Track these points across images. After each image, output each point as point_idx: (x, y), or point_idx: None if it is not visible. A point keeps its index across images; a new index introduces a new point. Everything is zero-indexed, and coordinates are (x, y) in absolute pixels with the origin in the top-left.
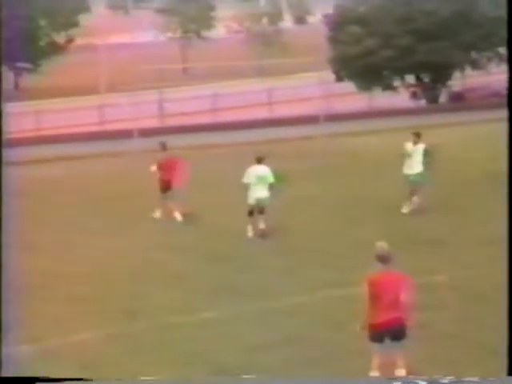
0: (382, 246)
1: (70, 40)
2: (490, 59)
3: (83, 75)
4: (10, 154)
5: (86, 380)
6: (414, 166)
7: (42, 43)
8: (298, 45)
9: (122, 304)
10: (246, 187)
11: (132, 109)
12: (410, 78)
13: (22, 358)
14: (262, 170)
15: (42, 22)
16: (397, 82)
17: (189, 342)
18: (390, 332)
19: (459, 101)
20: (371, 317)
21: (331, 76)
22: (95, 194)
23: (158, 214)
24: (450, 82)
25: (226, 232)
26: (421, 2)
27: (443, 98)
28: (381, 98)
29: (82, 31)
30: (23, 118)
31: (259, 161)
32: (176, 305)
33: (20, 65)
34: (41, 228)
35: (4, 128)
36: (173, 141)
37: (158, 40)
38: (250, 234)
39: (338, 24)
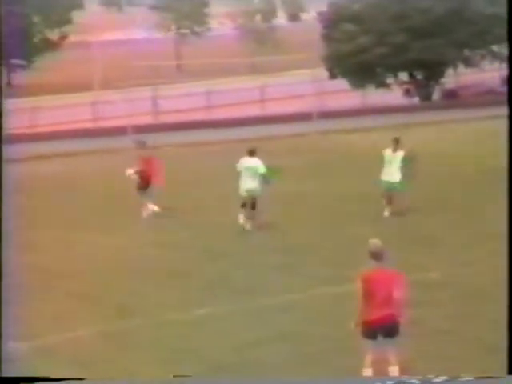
0: (375, 242)
1: (64, 37)
2: (483, 57)
3: (77, 72)
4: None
5: (86, 380)
6: (393, 173)
7: (35, 40)
8: (291, 42)
9: (118, 301)
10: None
11: (126, 105)
12: (404, 76)
13: (19, 355)
14: (253, 161)
15: (36, 19)
16: (390, 80)
17: (184, 338)
18: (383, 329)
19: (452, 98)
20: (364, 314)
21: (324, 73)
22: (89, 191)
23: (145, 213)
24: (443, 80)
25: (221, 228)
26: (415, 0)
27: (436, 95)
28: (374, 96)
29: (76, 28)
30: (17, 115)
31: (251, 153)
32: (172, 302)
33: (14, 62)
34: (36, 225)
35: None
36: (166, 138)
37: (151, 37)
38: (241, 221)
39: (331, 21)
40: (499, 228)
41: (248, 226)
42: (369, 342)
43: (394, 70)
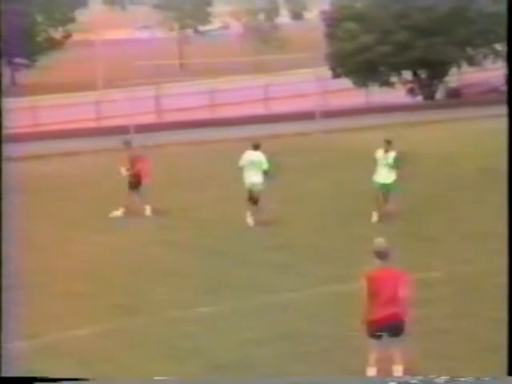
0: (380, 241)
1: (67, 36)
2: (486, 55)
3: (80, 71)
4: (7, 149)
5: (86, 380)
6: (385, 174)
7: (39, 39)
8: (294, 41)
9: (119, 300)
10: (240, 170)
11: (129, 104)
12: (407, 74)
13: (21, 354)
14: (256, 155)
15: (39, 18)
16: (393, 78)
17: (185, 337)
18: (388, 328)
19: (456, 97)
20: (369, 313)
21: (328, 72)
22: (92, 190)
23: (119, 212)
24: (446, 78)
25: (224, 226)
26: None
27: (440, 94)
28: (377, 94)
29: (79, 27)
30: (21, 114)
31: (255, 147)
32: (173, 300)
33: (17, 60)
34: (38, 224)
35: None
36: (170, 136)
37: (154, 36)
38: (249, 220)
39: (334, 20)
40: (500, 227)
41: (251, 222)
42: (373, 341)
43: (398, 68)
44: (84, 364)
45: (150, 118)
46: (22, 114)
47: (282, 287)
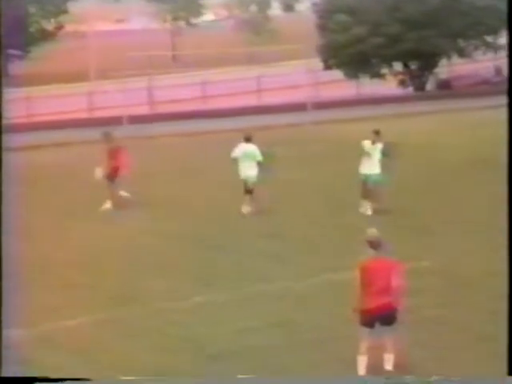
0: (372, 232)
1: (60, 27)
2: (476, 47)
3: (73, 62)
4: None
5: (88, 380)
6: (372, 166)
7: (31, 30)
8: (286, 32)
9: (115, 290)
10: (233, 161)
11: (122, 95)
12: (398, 66)
13: (17, 343)
14: (250, 147)
15: (32, 9)
16: (385, 70)
17: (180, 326)
18: (381, 317)
19: (446, 88)
20: (363, 302)
21: (319, 64)
22: (86, 181)
23: (108, 205)
24: (437, 70)
25: (216, 217)
26: None
27: (430, 85)
28: (368, 86)
29: (72, 18)
30: (14, 105)
31: (247, 139)
32: (168, 290)
33: (11, 52)
34: (34, 214)
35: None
36: (162, 128)
37: (147, 27)
38: (245, 210)
39: (326, 12)
40: (491, 217)
41: (247, 210)
42: (365, 330)
43: (389, 60)
44: (79, 352)
45: (143, 109)
46: (16, 104)
47: (275, 277)
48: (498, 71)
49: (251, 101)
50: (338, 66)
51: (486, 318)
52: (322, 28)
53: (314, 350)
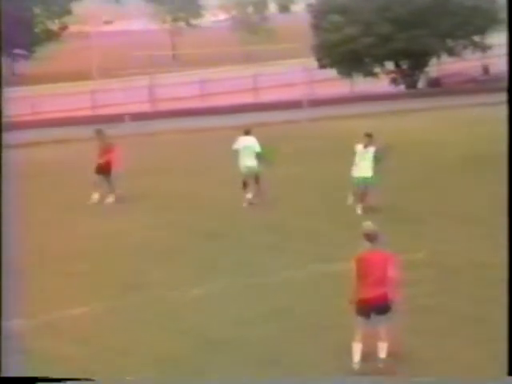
0: (368, 225)
1: (64, 27)
2: (465, 47)
3: (76, 61)
4: (7, 137)
5: (90, 380)
6: (365, 168)
7: (37, 30)
8: (282, 32)
9: (118, 280)
10: (232, 156)
11: (124, 94)
12: (390, 65)
13: (22, 332)
14: (249, 140)
15: (37, 10)
16: (377, 69)
17: (180, 315)
18: (377, 307)
19: (436, 86)
20: (359, 293)
21: (314, 63)
22: (89, 176)
23: (95, 197)
24: (427, 69)
25: (216, 210)
26: None
27: (421, 83)
28: (362, 84)
29: (75, 19)
30: (20, 103)
31: (247, 132)
32: (169, 280)
33: (16, 51)
34: (41, 208)
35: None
36: (162, 124)
37: (148, 28)
38: (245, 204)
39: (320, 12)
40: (479, 211)
41: (247, 201)
42: (360, 319)
43: (381, 59)
44: (83, 341)
45: (144, 107)
46: (21, 102)
47: (273, 268)
48: (485, 70)
49: (248, 98)
50: (332, 64)
51: (477, 304)
52: (317, 28)
53: (311, 339)
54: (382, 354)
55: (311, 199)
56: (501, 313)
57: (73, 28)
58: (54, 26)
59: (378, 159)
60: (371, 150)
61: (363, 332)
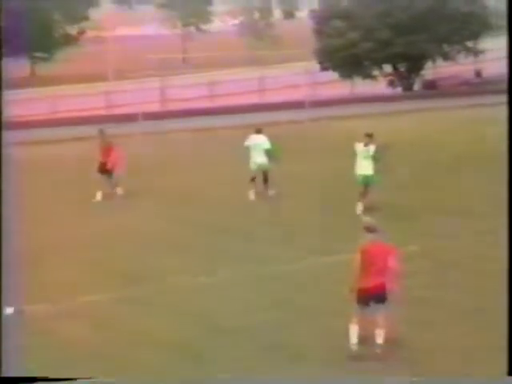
0: (367, 219)
1: (82, 32)
2: (459, 51)
3: (93, 64)
4: (25, 135)
5: (86, 379)
6: (367, 166)
7: (56, 35)
8: (286, 37)
9: (132, 270)
10: (243, 151)
11: (137, 94)
12: (388, 68)
13: (36, 317)
14: (260, 138)
15: (57, 16)
16: (376, 72)
17: (189, 304)
18: (377, 296)
19: (432, 88)
20: (361, 281)
21: (316, 66)
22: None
23: (99, 197)
24: (423, 72)
25: (224, 204)
26: None
27: (417, 86)
28: (361, 86)
29: (92, 24)
30: (40, 103)
31: (258, 131)
32: (178, 270)
33: (37, 54)
34: (54, 202)
35: (16, 112)
36: (173, 124)
37: (160, 32)
38: (252, 197)
39: (323, 18)
40: (475, 206)
41: (253, 198)
42: (360, 307)
43: (380, 63)
44: (97, 326)
45: (156, 107)
46: (41, 102)
47: (276, 260)
48: (477, 73)
49: (254, 99)
50: (334, 67)
51: (471, 296)
52: (319, 33)
53: (310, 326)
54: (380, 340)
55: (314, 194)
56: (497, 304)
57: (90, 33)
58: (72, 30)
59: (376, 158)
60: (371, 148)
61: (361, 318)
